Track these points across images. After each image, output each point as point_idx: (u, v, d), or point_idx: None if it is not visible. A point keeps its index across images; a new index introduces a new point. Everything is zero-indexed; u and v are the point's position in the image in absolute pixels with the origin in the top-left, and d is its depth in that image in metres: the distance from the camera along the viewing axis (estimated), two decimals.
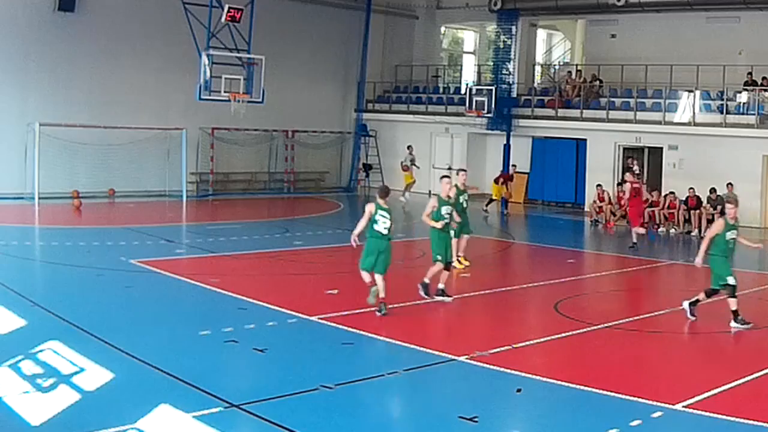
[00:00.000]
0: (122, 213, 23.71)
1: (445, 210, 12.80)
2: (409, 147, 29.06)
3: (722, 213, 21.77)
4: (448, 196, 13.03)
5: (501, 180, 27.02)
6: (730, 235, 11.69)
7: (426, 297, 12.66)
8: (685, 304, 12.01)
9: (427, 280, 12.78)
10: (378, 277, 11.64)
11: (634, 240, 19.30)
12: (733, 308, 11.57)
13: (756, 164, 23.51)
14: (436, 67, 34.81)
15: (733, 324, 11.55)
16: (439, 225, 12.54)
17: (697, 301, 11.95)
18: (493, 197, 27.06)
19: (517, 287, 14.82)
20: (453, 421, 7.65)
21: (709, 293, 11.89)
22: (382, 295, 11.57)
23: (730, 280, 11.50)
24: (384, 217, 11.65)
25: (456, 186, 14.31)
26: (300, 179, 31.74)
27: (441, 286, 12.79)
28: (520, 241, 21.74)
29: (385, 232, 11.67)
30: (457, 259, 15.02)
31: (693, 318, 11.86)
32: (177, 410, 7.61)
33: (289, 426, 7.31)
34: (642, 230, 19.72)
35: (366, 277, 11.79)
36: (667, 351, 10.57)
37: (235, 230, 19.53)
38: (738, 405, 8.20)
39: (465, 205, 15.14)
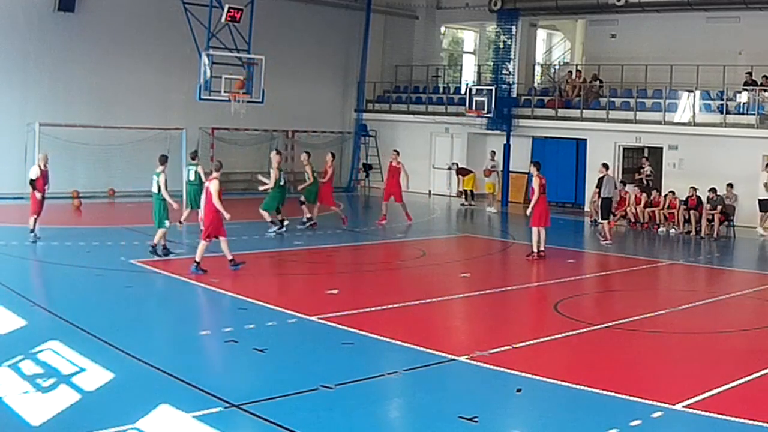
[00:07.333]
0: (122, 213, 23.70)
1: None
2: (492, 152, 28.43)
3: (722, 212, 21.90)
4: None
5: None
6: None
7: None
8: None
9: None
10: None
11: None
12: None
13: (756, 164, 23.47)
14: (436, 67, 34.80)
15: None
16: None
17: None
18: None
19: (517, 287, 14.82)
20: (453, 421, 7.64)
21: None
22: None
23: None
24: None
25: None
26: (300, 179, 31.59)
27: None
28: (520, 241, 21.71)
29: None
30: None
31: None
32: (177, 410, 7.60)
33: (289, 426, 7.31)
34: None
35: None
36: (667, 351, 10.56)
37: (235, 230, 19.46)
38: (738, 405, 8.19)
39: (282, 182, 19.99)
